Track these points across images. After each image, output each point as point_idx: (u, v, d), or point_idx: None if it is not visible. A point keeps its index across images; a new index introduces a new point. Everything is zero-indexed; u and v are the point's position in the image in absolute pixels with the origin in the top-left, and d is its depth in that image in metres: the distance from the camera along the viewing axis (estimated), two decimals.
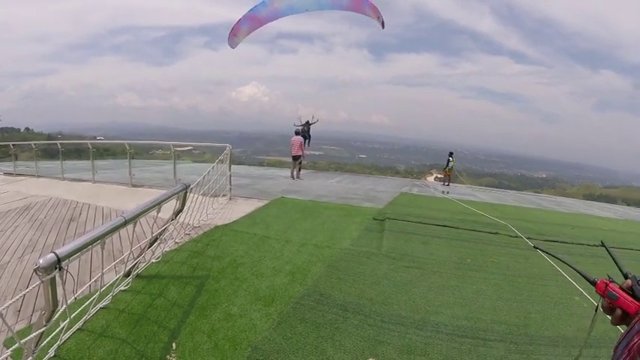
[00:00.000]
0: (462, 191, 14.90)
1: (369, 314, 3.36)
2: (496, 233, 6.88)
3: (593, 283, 1.01)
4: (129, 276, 3.69)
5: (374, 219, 7.14)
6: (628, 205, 31.51)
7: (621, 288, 0.96)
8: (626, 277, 0.99)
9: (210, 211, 6.43)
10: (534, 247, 1.17)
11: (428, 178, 35.11)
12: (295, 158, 13.27)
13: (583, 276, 1.08)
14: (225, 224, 5.90)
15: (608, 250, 1.17)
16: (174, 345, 2.78)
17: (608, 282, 0.98)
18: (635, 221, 12.13)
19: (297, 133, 13.61)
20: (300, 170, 13.72)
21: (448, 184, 16.75)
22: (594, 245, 6.39)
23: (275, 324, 3.05)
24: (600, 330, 3.36)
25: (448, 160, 16.90)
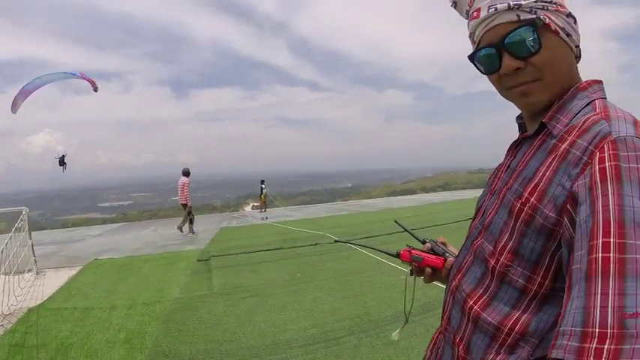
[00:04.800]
0: (279, 214, 15.65)
1: (220, 357, 3.21)
2: (316, 244, 7.49)
3: (398, 255, 1.07)
4: None
5: (198, 260, 6.91)
6: (426, 192, 38.50)
7: (423, 251, 1.07)
8: (423, 243, 1.12)
9: (19, 292, 5.27)
10: (335, 241, 1.18)
11: (245, 209, 35.56)
12: (185, 206, 10.30)
13: (385, 252, 1.13)
14: (39, 304, 4.89)
15: (400, 225, 1.26)
16: None
17: (410, 249, 1.06)
18: (431, 204, 15.29)
19: (185, 174, 10.32)
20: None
21: (265, 210, 17.34)
22: (394, 232, 7.60)
23: None
24: (431, 295, 3.91)
25: (261, 188, 17.56)
